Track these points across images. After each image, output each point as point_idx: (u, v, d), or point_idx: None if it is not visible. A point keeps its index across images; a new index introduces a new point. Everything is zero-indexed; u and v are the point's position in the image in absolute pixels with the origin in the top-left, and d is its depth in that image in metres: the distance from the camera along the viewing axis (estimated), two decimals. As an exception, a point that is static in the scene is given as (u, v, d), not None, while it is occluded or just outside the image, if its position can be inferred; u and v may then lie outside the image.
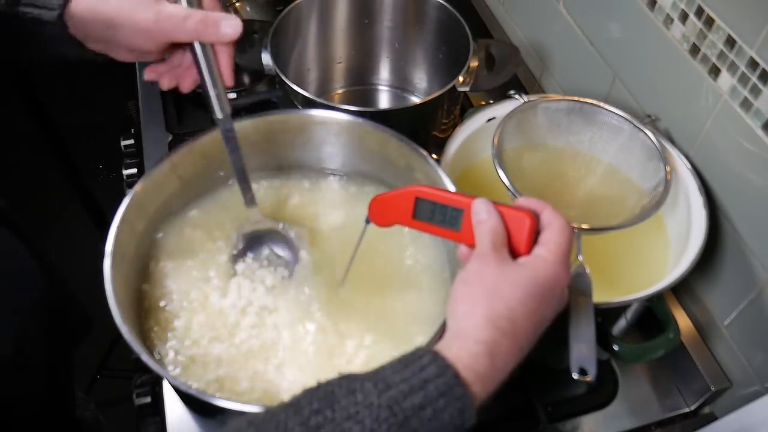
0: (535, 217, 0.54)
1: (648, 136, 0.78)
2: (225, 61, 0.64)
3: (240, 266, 0.75)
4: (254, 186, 0.78)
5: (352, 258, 0.71)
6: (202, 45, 0.62)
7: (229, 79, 0.65)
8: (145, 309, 0.73)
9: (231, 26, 0.61)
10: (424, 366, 0.45)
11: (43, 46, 0.64)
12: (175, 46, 0.65)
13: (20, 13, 0.61)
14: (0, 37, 0.63)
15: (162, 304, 0.73)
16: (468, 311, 0.49)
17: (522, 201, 0.56)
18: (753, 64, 0.66)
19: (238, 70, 0.68)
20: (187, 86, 0.67)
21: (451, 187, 0.72)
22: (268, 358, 0.70)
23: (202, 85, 0.65)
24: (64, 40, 0.62)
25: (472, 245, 0.55)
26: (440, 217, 0.58)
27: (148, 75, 0.68)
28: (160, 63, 0.67)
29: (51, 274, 0.69)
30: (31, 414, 0.61)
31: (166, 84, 0.67)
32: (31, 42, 0.64)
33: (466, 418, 0.45)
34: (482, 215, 0.55)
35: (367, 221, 0.65)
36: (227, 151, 0.69)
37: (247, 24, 0.97)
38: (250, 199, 0.73)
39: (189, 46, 0.63)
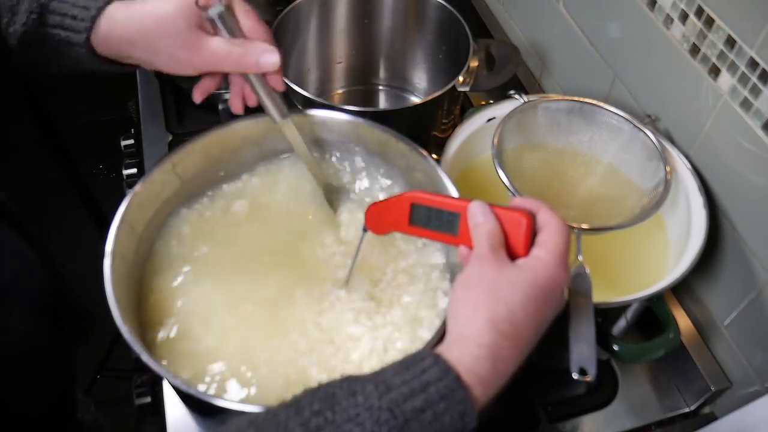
0: (532, 218, 0.54)
1: (648, 136, 0.78)
2: (271, 51, 0.65)
3: None
4: (253, 179, 0.82)
5: (353, 263, 0.71)
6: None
7: (279, 86, 0.68)
8: (145, 309, 0.73)
9: (270, 59, 0.64)
10: (426, 368, 0.45)
11: (70, 63, 0.65)
12: None
13: (48, 34, 0.63)
14: (29, 55, 0.64)
15: (162, 304, 0.73)
16: (469, 314, 0.49)
17: (518, 201, 0.56)
18: (753, 64, 0.66)
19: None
20: (253, 102, 0.70)
21: (452, 188, 0.71)
22: (272, 357, 0.69)
23: (258, 99, 0.69)
24: (92, 60, 0.64)
25: (471, 248, 0.55)
26: (437, 222, 0.58)
27: (199, 97, 0.70)
28: (205, 79, 0.69)
29: (56, 275, 0.69)
30: (33, 414, 0.61)
31: (239, 106, 0.71)
32: (60, 60, 0.65)
33: (467, 422, 0.45)
34: (479, 218, 0.55)
35: (365, 229, 0.65)
36: (293, 146, 0.74)
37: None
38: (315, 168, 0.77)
39: None
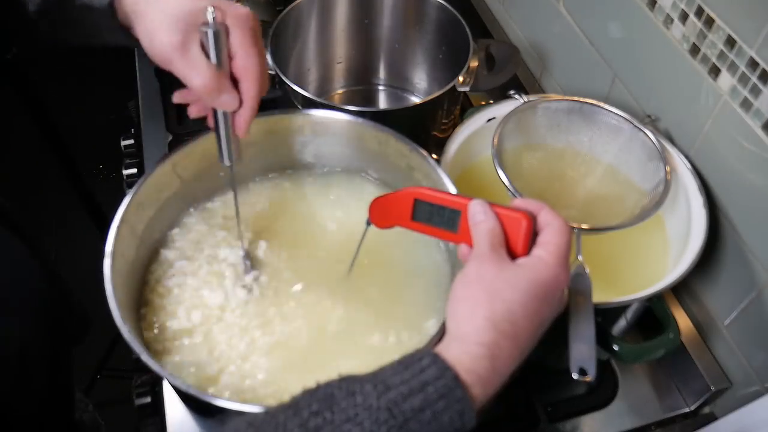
0: (532, 219, 0.54)
1: (648, 136, 0.78)
2: (246, 113, 0.63)
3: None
4: (255, 186, 0.82)
5: (356, 255, 0.72)
6: None
7: (241, 130, 0.64)
8: (145, 309, 0.73)
9: (226, 104, 0.61)
10: (424, 368, 0.45)
11: (89, 31, 0.63)
12: None
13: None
14: (48, 23, 0.63)
15: (162, 303, 0.73)
16: (468, 313, 0.49)
17: (519, 202, 0.56)
18: (753, 64, 0.66)
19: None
20: (211, 123, 0.66)
21: (451, 187, 0.72)
22: (273, 356, 0.70)
23: (214, 131, 0.65)
24: (111, 28, 0.62)
25: (471, 246, 0.55)
26: (438, 219, 0.58)
27: (177, 99, 0.67)
28: (186, 90, 0.66)
29: (52, 275, 0.69)
30: (31, 414, 0.61)
31: (194, 113, 0.67)
32: (78, 28, 0.63)
33: (466, 421, 0.45)
34: (479, 216, 0.55)
35: (368, 223, 0.66)
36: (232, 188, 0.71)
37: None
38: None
39: None
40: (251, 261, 0.76)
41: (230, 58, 0.60)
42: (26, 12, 0.63)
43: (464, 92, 0.91)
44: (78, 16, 0.62)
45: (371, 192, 0.84)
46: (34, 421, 0.62)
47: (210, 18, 0.58)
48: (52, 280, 0.68)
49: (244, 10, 0.59)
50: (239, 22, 0.59)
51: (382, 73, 1.11)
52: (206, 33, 0.58)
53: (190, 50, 0.58)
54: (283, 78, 0.86)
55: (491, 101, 1.00)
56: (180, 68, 0.59)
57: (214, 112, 0.64)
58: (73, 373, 0.70)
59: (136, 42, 0.62)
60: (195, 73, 0.58)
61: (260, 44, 0.61)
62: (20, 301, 0.60)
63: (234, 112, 0.63)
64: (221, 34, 0.58)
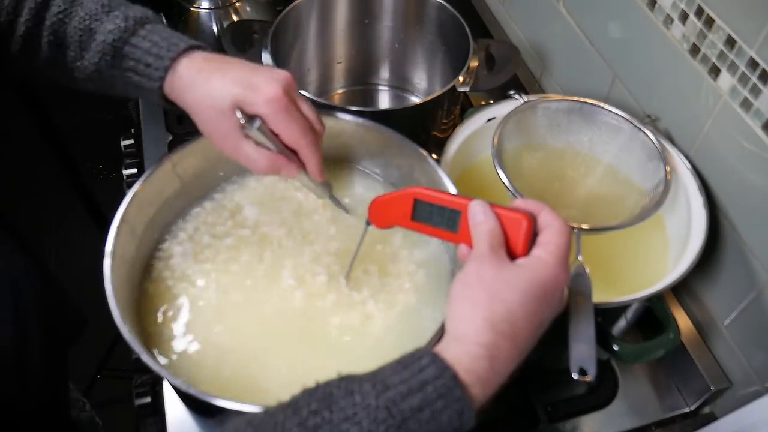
0: (532, 219, 0.54)
1: (648, 136, 0.78)
2: (313, 165, 0.68)
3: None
4: (253, 184, 0.83)
5: (355, 255, 0.72)
6: None
7: (318, 177, 0.70)
8: (145, 309, 0.73)
9: (287, 172, 0.67)
10: (423, 367, 0.45)
11: (139, 97, 0.71)
12: None
13: (121, 76, 0.66)
14: (94, 86, 0.69)
15: (162, 303, 0.73)
16: (467, 313, 0.49)
17: (519, 203, 0.56)
18: (753, 64, 0.66)
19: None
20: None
21: (451, 187, 0.72)
22: (274, 356, 0.70)
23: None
24: (161, 101, 0.67)
25: (471, 246, 0.55)
26: (438, 219, 0.58)
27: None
28: None
29: (46, 274, 0.69)
30: (27, 414, 0.61)
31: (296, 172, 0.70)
32: (128, 95, 0.70)
33: (465, 421, 0.45)
34: (479, 217, 0.55)
35: (368, 223, 0.66)
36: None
37: (247, 24, 0.97)
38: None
39: None
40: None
41: (277, 135, 0.65)
42: (74, 80, 0.68)
43: (464, 92, 0.91)
44: (128, 88, 0.67)
45: (371, 192, 0.84)
46: (29, 421, 0.62)
47: (241, 120, 0.62)
48: (46, 280, 0.68)
49: (272, 90, 0.62)
50: (270, 106, 0.62)
51: (382, 73, 1.11)
52: (249, 135, 0.63)
53: (242, 147, 0.64)
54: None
55: (491, 101, 1.00)
56: (240, 160, 0.66)
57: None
58: (69, 373, 0.71)
59: (179, 110, 0.67)
60: (253, 166, 0.65)
61: (297, 105, 0.65)
62: (14, 301, 0.60)
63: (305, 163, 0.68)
64: (262, 130, 0.63)
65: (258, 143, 0.64)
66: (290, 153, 0.66)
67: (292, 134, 0.64)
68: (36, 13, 0.65)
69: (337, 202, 0.77)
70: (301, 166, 0.68)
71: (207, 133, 0.66)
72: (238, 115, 0.62)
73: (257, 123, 0.63)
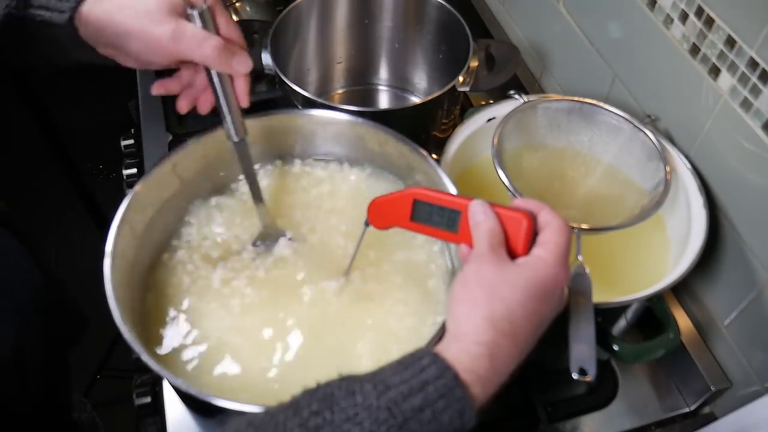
0: (533, 219, 0.54)
1: (648, 136, 0.78)
2: (241, 83, 0.64)
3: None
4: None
5: (354, 255, 0.72)
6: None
7: (244, 101, 0.65)
8: (145, 308, 0.73)
9: (242, 64, 0.62)
10: (424, 367, 0.45)
11: (52, 49, 0.63)
12: (185, 62, 0.65)
13: (30, 15, 0.61)
14: (10, 40, 0.63)
15: (162, 303, 0.73)
16: (467, 312, 0.49)
17: (519, 202, 0.56)
18: (753, 64, 0.66)
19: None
20: (205, 109, 0.67)
21: (451, 187, 0.72)
22: (273, 355, 0.70)
23: (218, 109, 0.66)
24: (74, 44, 0.62)
25: (471, 246, 0.55)
26: (438, 219, 0.58)
27: (157, 90, 0.68)
28: (170, 78, 0.67)
29: (48, 274, 0.69)
30: (27, 414, 0.61)
31: (184, 107, 0.67)
32: (41, 45, 0.63)
33: (466, 420, 0.45)
34: (479, 216, 0.55)
35: (367, 224, 0.66)
36: (241, 166, 0.71)
37: (247, 24, 0.97)
38: (259, 199, 0.75)
39: (204, 67, 0.63)
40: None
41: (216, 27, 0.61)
42: None
43: (464, 92, 0.91)
44: (39, 33, 0.62)
45: (371, 192, 0.84)
46: (30, 421, 0.62)
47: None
48: (48, 280, 0.68)
49: None
50: None
51: (382, 73, 1.11)
52: (194, 15, 0.60)
53: (186, 31, 0.59)
54: (283, 78, 0.86)
55: (491, 101, 1.00)
56: (185, 49, 0.59)
57: (214, 89, 0.64)
58: (70, 374, 0.70)
59: (101, 58, 0.62)
60: (206, 43, 0.59)
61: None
62: (15, 301, 0.60)
63: (233, 83, 0.64)
64: (207, 12, 0.60)
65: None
66: None
67: (231, 28, 0.61)
68: None
69: (266, 222, 0.76)
70: (250, 59, 0.63)
71: (136, 34, 0.59)
72: None
73: (203, 6, 0.59)
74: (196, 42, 0.59)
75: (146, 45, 0.60)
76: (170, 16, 0.59)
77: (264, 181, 0.83)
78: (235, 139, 0.69)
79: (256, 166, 0.82)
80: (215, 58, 0.60)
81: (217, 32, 0.62)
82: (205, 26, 0.60)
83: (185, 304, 0.73)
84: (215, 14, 0.61)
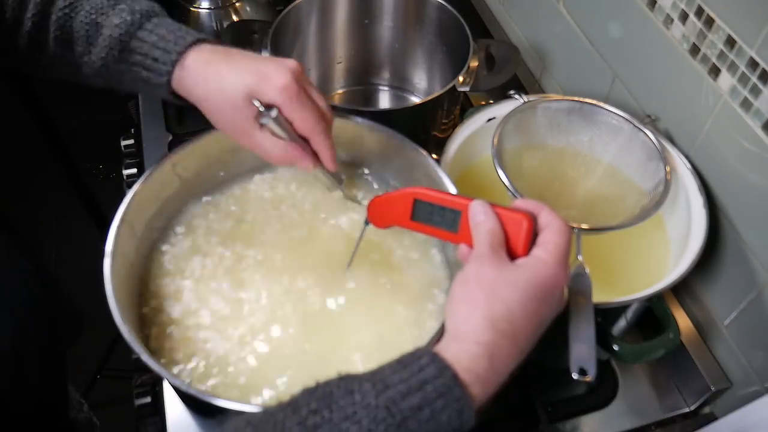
0: (533, 219, 0.54)
1: (648, 136, 0.78)
2: (326, 155, 0.67)
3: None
4: (251, 186, 0.83)
5: (354, 254, 0.72)
6: None
7: (331, 167, 0.68)
8: (145, 308, 0.73)
9: (302, 165, 0.66)
10: (423, 367, 0.45)
11: (147, 93, 0.70)
12: None
13: (128, 70, 0.65)
14: (103, 81, 0.68)
15: (163, 303, 0.73)
16: (467, 312, 0.49)
17: (519, 203, 0.56)
18: (753, 64, 0.66)
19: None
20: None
21: (451, 187, 0.72)
22: (273, 355, 0.70)
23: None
24: (169, 96, 0.66)
25: (471, 246, 0.55)
26: (438, 219, 0.58)
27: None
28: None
29: (44, 275, 0.69)
30: (25, 414, 0.61)
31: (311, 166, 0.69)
32: (136, 89, 0.69)
33: (465, 420, 0.45)
34: (479, 217, 0.55)
35: (366, 222, 0.66)
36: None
37: (247, 24, 0.98)
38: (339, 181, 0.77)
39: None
40: None
41: (290, 124, 0.64)
42: (82, 76, 0.68)
43: (464, 92, 0.91)
44: (136, 82, 0.66)
45: (370, 192, 0.84)
46: (28, 422, 0.62)
47: (260, 108, 0.62)
48: (44, 280, 0.68)
49: (283, 78, 0.62)
50: (284, 95, 0.61)
51: (382, 73, 1.11)
52: (265, 124, 0.63)
53: (257, 138, 0.64)
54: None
55: (491, 101, 1.00)
56: (256, 151, 0.65)
57: None
58: (67, 374, 0.70)
59: (188, 104, 0.67)
60: (269, 157, 0.65)
61: (308, 94, 0.64)
62: (13, 300, 0.60)
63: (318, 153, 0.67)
64: (278, 119, 0.62)
65: (272, 133, 0.64)
66: (303, 142, 0.66)
67: (305, 122, 0.64)
68: (42, 8, 0.64)
69: (348, 195, 0.77)
70: (314, 156, 0.67)
71: (220, 125, 0.65)
72: (256, 104, 0.62)
73: (274, 112, 0.62)
74: (264, 153, 0.65)
75: (219, 127, 0.66)
76: (246, 121, 0.63)
77: (263, 185, 0.83)
78: (334, 189, 0.76)
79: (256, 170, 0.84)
80: (281, 163, 0.66)
81: (292, 131, 0.64)
82: (279, 128, 0.63)
83: (186, 303, 0.73)
84: (287, 114, 0.63)
